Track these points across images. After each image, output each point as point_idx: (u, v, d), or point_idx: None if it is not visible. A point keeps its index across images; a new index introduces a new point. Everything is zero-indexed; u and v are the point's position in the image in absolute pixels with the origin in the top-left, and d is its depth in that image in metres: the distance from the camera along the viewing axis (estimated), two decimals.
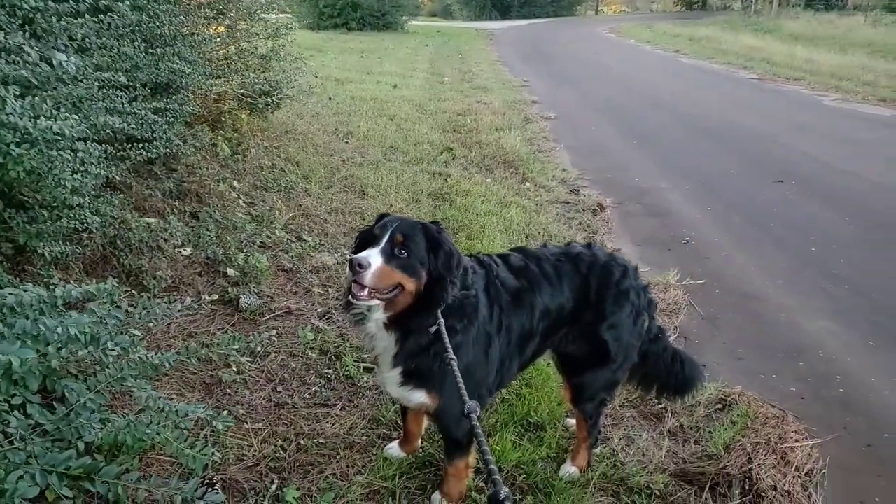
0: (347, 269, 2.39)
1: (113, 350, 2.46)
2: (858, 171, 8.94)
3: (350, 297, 2.36)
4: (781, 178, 8.62)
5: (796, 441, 3.58)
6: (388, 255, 2.31)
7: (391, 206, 6.75)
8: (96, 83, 3.24)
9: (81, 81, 3.05)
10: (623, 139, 11.17)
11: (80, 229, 3.51)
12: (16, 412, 2.19)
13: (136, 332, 2.86)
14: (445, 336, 2.36)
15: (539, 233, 6.52)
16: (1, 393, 1.97)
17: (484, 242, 5.88)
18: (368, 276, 2.25)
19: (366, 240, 2.46)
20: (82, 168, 2.97)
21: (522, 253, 3.00)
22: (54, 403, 2.41)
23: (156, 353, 2.70)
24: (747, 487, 3.19)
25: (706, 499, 3.15)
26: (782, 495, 3.15)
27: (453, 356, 2.26)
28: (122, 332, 2.61)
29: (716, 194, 8.10)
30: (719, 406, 3.88)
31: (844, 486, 3.33)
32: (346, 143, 9.01)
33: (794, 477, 3.30)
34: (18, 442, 1.98)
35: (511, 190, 7.89)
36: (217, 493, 2.33)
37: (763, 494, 3.13)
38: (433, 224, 2.51)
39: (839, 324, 4.90)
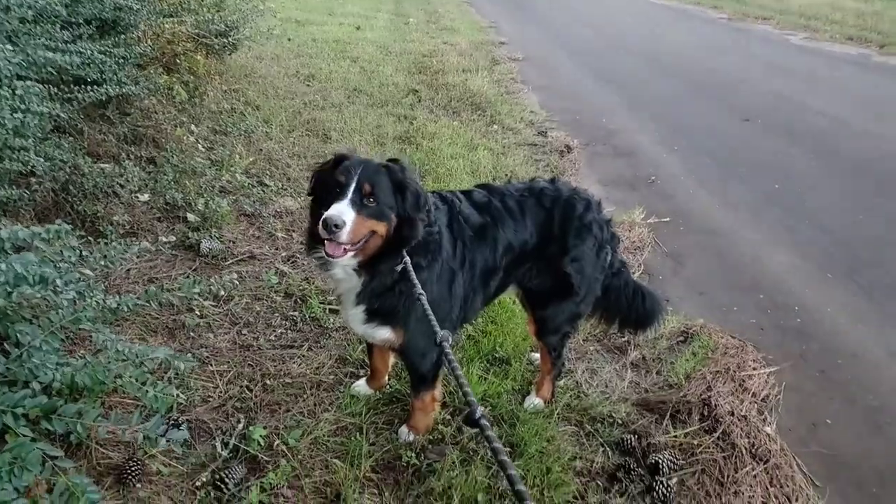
0: (311, 218, 2.41)
1: (66, 292, 2.41)
2: (823, 109, 9.02)
3: (326, 256, 2.29)
4: (748, 117, 8.66)
5: (754, 369, 3.68)
6: (359, 207, 2.24)
7: (355, 149, 6.63)
8: (30, 11, 3.06)
9: (13, 10, 2.89)
10: (592, 80, 11.08)
11: (26, 173, 3.39)
12: None
13: (89, 272, 2.79)
14: (413, 274, 2.34)
15: (506, 175, 6.48)
16: None
17: (451, 186, 5.82)
18: (344, 235, 2.19)
19: (325, 184, 2.39)
20: (23, 107, 2.85)
21: (486, 189, 2.97)
22: (6, 346, 2.35)
23: (114, 297, 2.66)
24: (706, 414, 3.27)
25: (666, 426, 3.23)
26: (739, 420, 3.24)
27: (422, 292, 2.24)
28: (77, 277, 2.56)
29: (683, 134, 8.11)
30: (681, 338, 3.96)
31: (798, 410, 3.44)
32: (308, 85, 8.80)
33: (750, 403, 3.40)
34: None
35: (478, 132, 7.81)
36: (181, 430, 2.31)
37: (721, 420, 3.21)
38: (394, 163, 2.44)
39: (799, 257, 5.00)
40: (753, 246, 5.19)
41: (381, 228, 2.33)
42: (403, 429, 2.99)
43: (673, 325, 4.01)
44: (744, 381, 3.56)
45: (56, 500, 1.94)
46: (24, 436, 1.98)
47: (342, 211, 2.19)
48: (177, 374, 3.13)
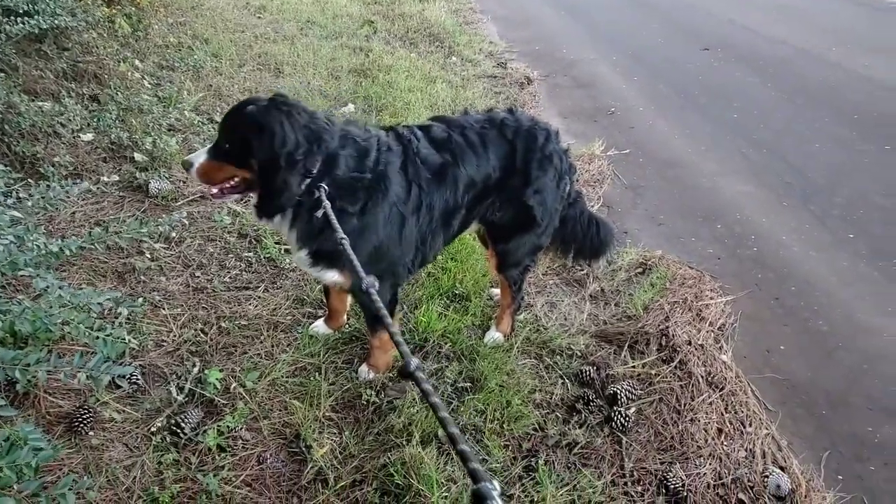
0: None
1: (3, 237, 2.29)
2: (785, 37, 8.97)
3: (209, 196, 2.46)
4: (708, 46, 8.58)
5: (711, 298, 3.73)
6: (216, 150, 2.37)
7: (309, 83, 6.43)
8: None
9: None
10: (552, 10, 10.87)
11: None
12: None
13: (18, 215, 2.64)
14: (332, 218, 2.26)
15: (463, 106, 6.35)
16: None
17: (409, 120, 5.68)
18: (194, 174, 2.40)
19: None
20: None
21: (445, 123, 2.86)
22: None
23: (57, 241, 2.54)
24: (663, 344, 3.32)
25: (625, 357, 3.27)
26: (696, 349, 3.30)
27: (344, 236, 2.16)
28: (11, 219, 2.43)
29: (643, 64, 8.03)
30: (639, 270, 3.98)
31: (753, 337, 3.51)
32: (259, 17, 8.43)
33: (707, 332, 3.46)
34: None
35: (437, 65, 7.62)
36: (127, 367, 2.24)
37: (678, 349, 3.26)
38: (271, 101, 2.36)
39: (756, 186, 5.03)
40: (712, 176, 5.21)
41: (241, 173, 2.39)
42: (363, 367, 2.97)
43: (631, 256, 4.04)
44: (701, 310, 3.60)
45: None
46: None
47: (196, 154, 2.42)
48: (128, 319, 3.06)
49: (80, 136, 4.43)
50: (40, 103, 4.37)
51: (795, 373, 3.27)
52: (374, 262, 2.52)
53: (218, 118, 5.29)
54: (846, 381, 3.21)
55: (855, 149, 5.59)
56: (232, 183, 2.43)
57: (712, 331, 3.48)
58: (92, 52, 5.35)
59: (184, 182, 4.33)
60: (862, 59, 7.90)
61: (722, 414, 2.94)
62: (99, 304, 2.48)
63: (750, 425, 2.90)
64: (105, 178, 4.06)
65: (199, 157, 2.36)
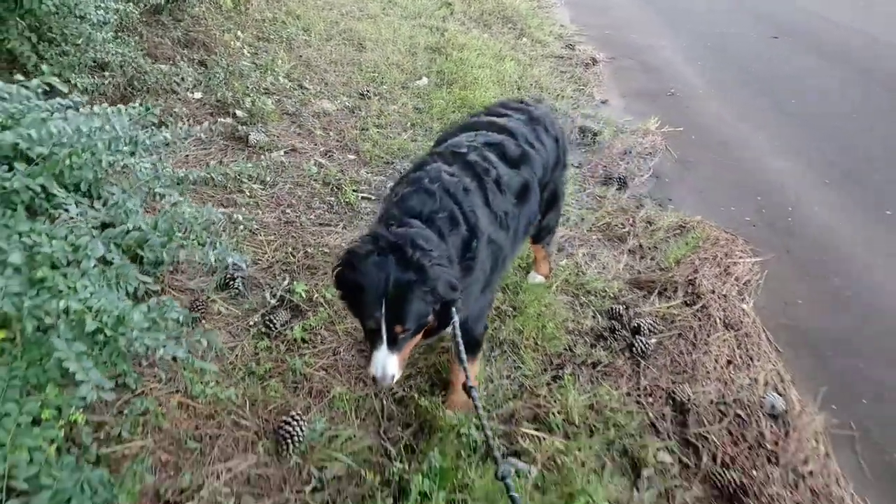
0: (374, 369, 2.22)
1: (145, 161, 2.92)
2: (857, 25, 8.99)
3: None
4: (778, 34, 8.71)
5: (740, 258, 4.10)
6: (397, 346, 2.20)
7: (388, 58, 6.99)
8: None
9: None
10: None
11: (102, 65, 3.87)
12: (71, 206, 2.67)
13: (166, 136, 3.28)
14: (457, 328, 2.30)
15: (531, 85, 6.81)
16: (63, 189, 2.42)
17: (476, 93, 6.16)
18: (397, 378, 2.25)
19: (351, 299, 2.27)
20: (103, 4, 3.30)
21: (503, 131, 2.91)
22: (95, 205, 2.88)
23: (181, 170, 3.17)
24: (689, 291, 3.73)
25: (653, 300, 3.70)
26: (719, 298, 3.69)
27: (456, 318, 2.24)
28: (153, 143, 3.07)
29: (711, 51, 8.27)
30: (678, 231, 4.37)
31: (774, 292, 3.87)
32: None
33: (732, 285, 3.84)
34: (80, 219, 2.46)
35: (507, 45, 8.07)
36: (243, 256, 2.85)
37: (702, 296, 3.66)
38: (420, 269, 2.12)
39: (801, 164, 5.31)
40: (760, 154, 5.50)
41: (423, 332, 2.32)
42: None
43: (671, 219, 4.42)
44: (729, 267, 3.99)
45: (146, 316, 2.49)
46: (120, 261, 2.52)
47: (385, 363, 2.18)
48: (232, 238, 3.69)
49: (191, 94, 5.13)
50: (160, 66, 5.08)
51: (808, 322, 3.62)
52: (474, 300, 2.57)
53: (307, 85, 5.94)
54: (854, 331, 3.55)
55: None
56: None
57: (737, 284, 3.86)
58: (201, 23, 6.08)
59: (277, 136, 4.97)
60: None
61: (734, 349, 3.35)
62: (213, 221, 3.10)
63: (758, 360, 3.30)
64: (217, 128, 4.71)
65: (392, 365, 2.19)
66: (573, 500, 2.48)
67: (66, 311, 2.05)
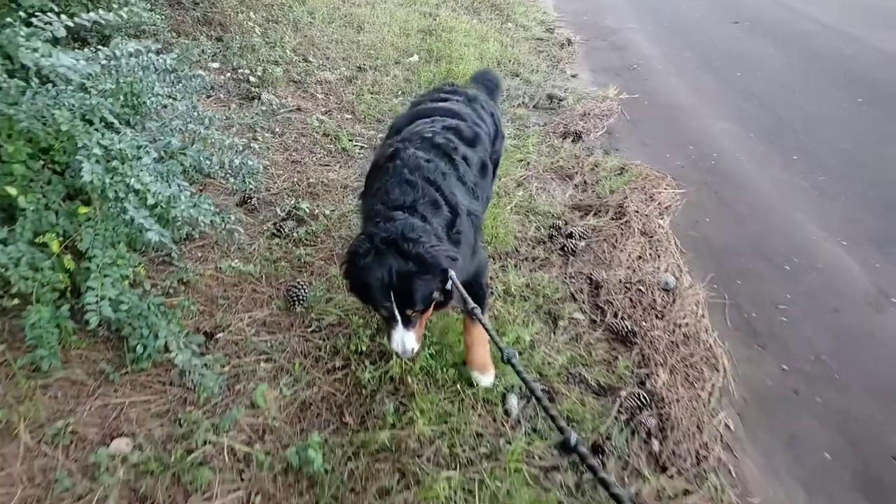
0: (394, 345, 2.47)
1: (183, 99, 3.82)
2: (816, 14, 9.81)
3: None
4: (739, 20, 9.57)
5: (665, 189, 4.97)
6: (412, 323, 2.45)
7: (383, 38, 7.89)
8: None
9: None
10: None
11: (139, 34, 4.78)
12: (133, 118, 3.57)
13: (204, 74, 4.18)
14: (461, 289, 2.38)
15: (510, 61, 7.70)
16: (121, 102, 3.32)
17: (460, 67, 7.04)
18: (417, 349, 2.53)
19: (363, 292, 2.46)
20: None
21: (449, 117, 3.19)
22: (147, 125, 3.78)
23: (208, 111, 4.07)
24: (618, 211, 4.60)
25: (588, 219, 4.57)
26: (641, 216, 4.57)
27: (474, 305, 2.27)
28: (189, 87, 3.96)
29: (674, 33, 9.15)
30: (618, 172, 5.24)
31: (688, 214, 4.73)
32: None
33: (654, 207, 4.72)
34: (137, 129, 3.37)
35: (493, 28, 8.96)
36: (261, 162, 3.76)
37: (627, 214, 4.54)
38: (418, 257, 2.33)
39: (738, 126, 6.17)
40: (701, 116, 6.37)
41: (433, 307, 2.55)
42: (476, 375, 3.15)
43: (614, 162, 5.30)
44: (654, 195, 4.87)
45: (189, 199, 3.38)
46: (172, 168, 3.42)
47: (404, 340, 2.45)
48: (249, 171, 4.58)
49: (211, 64, 6.04)
50: (183, 40, 6.00)
51: (710, 234, 4.49)
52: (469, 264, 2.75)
53: (311, 59, 6.84)
54: (744, 239, 4.41)
55: (839, 105, 6.58)
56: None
57: (658, 207, 4.74)
58: (217, 5, 6.99)
59: (285, 98, 5.87)
60: (882, 34, 8.73)
61: (645, 249, 4.23)
62: (238, 146, 4.01)
63: (663, 257, 4.17)
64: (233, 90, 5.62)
65: (410, 341, 2.46)
66: (504, 335, 3.37)
67: (134, 190, 2.94)
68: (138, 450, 2.61)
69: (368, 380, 3.06)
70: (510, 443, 2.79)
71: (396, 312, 2.38)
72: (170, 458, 2.59)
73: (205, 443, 2.68)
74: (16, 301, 2.77)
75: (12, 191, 2.86)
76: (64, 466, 2.48)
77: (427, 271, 2.33)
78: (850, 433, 3.01)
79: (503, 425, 2.92)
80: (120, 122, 3.33)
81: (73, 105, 2.85)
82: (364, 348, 3.24)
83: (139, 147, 3.10)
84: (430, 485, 2.58)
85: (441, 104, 3.38)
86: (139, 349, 2.91)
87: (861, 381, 3.26)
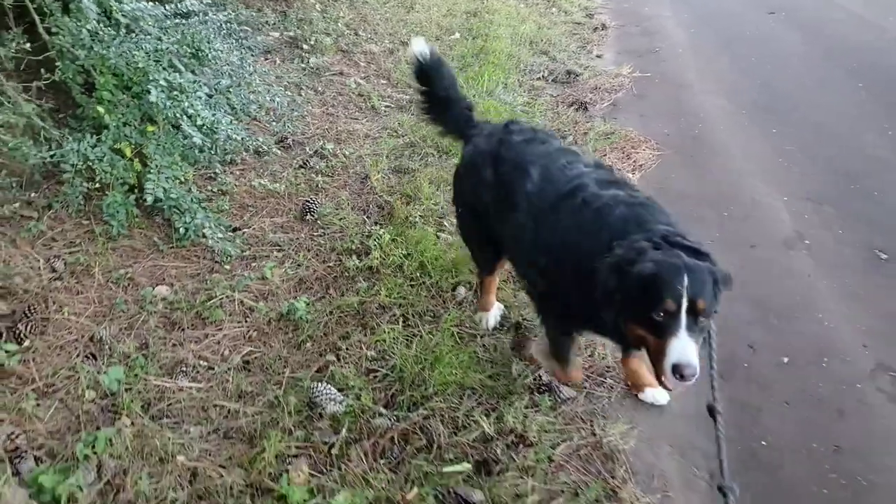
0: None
1: (234, 57, 4.83)
2: (845, 4, 10.01)
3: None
4: (774, 10, 9.97)
5: (644, 150, 5.68)
6: (696, 328, 2.13)
7: (430, 18, 8.79)
8: None
9: None
10: None
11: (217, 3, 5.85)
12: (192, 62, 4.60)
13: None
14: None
15: (542, 41, 8.46)
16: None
17: (492, 44, 7.85)
18: (697, 374, 2.06)
19: (649, 283, 2.13)
20: None
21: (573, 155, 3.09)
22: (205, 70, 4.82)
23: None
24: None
25: None
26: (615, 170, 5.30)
27: None
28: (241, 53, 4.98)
29: (706, 21, 9.66)
30: (606, 135, 5.96)
31: (660, 172, 5.42)
32: None
33: (629, 164, 5.44)
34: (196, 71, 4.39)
35: (536, 12, 9.72)
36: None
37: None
38: (702, 253, 2.27)
39: (732, 103, 6.76)
40: (701, 92, 6.98)
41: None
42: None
43: (605, 128, 6.03)
44: (631, 154, 5.58)
45: (223, 128, 4.38)
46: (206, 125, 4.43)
47: (687, 350, 2.05)
48: (284, 113, 5.59)
49: (271, 33, 7.10)
50: (252, 12, 7.07)
51: (676, 186, 5.16)
52: None
53: (361, 33, 7.82)
54: (700, 195, 5.07)
55: (834, 87, 7.06)
56: None
57: (633, 165, 5.46)
58: None
59: (331, 64, 6.87)
60: None
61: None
62: (277, 94, 5.01)
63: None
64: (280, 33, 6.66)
65: (692, 350, 2.08)
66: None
67: (187, 114, 3.94)
68: (174, 294, 3.63)
69: (352, 267, 4.00)
70: (448, 314, 3.66)
71: (684, 311, 2.07)
72: (195, 301, 3.61)
73: (222, 295, 3.68)
74: (98, 187, 3.83)
75: (101, 110, 3.91)
76: (122, 298, 3.53)
77: (717, 272, 2.20)
78: (723, 330, 3.72)
79: (449, 305, 3.79)
80: (183, 66, 4.37)
81: (149, 49, 3.87)
82: (353, 247, 4.17)
83: (194, 82, 4.12)
84: (379, 334, 3.49)
85: (560, 145, 3.20)
86: (182, 230, 3.94)
87: (750, 296, 3.94)
